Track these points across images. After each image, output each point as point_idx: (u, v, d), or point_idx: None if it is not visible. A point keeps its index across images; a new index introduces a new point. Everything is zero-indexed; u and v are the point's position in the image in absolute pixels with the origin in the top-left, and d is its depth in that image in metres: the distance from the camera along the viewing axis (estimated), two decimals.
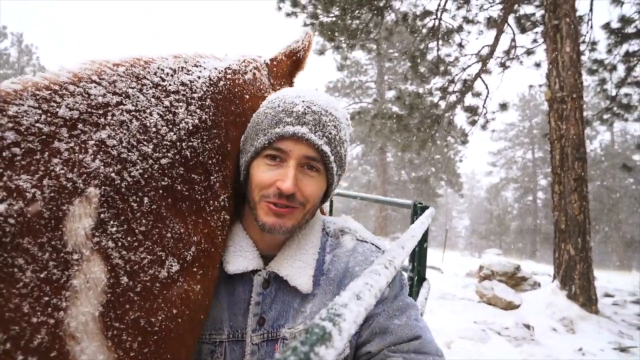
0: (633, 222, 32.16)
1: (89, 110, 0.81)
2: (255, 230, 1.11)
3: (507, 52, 12.43)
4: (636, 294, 9.47)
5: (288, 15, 11.50)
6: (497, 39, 11.64)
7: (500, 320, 6.60)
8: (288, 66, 1.25)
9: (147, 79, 0.90)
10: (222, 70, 1.08)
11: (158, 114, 0.89)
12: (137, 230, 0.82)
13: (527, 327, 6.22)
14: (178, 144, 0.91)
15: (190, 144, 0.93)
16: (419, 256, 2.63)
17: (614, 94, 11.93)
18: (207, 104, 0.98)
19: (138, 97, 0.87)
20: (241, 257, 1.07)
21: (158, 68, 0.94)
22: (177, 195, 0.90)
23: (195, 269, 0.92)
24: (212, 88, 1.01)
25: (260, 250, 1.10)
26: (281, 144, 1.00)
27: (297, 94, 1.05)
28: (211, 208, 0.99)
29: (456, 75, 12.64)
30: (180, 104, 0.93)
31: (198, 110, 0.96)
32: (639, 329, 6.74)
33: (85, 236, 0.74)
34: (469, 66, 12.44)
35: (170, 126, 0.90)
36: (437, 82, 13.17)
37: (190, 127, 0.93)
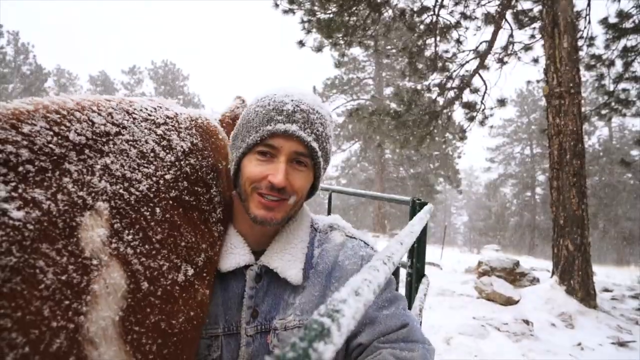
0: (631, 217, 32.22)
1: (94, 137, 0.87)
2: (245, 226, 1.18)
3: (505, 48, 12.41)
4: (635, 289, 9.49)
5: (285, 12, 11.47)
6: (495, 34, 11.64)
7: (499, 315, 6.62)
8: (232, 129, 1.33)
9: (137, 114, 0.98)
10: (196, 113, 1.20)
11: (153, 141, 0.97)
12: (154, 238, 0.88)
13: (526, 322, 6.24)
14: (177, 162, 1.00)
15: (188, 161, 1.03)
16: (417, 252, 2.63)
17: (612, 89, 11.95)
18: (193, 132, 1.09)
19: (133, 128, 0.95)
20: (232, 255, 1.12)
21: (142, 106, 1.02)
22: (186, 205, 0.99)
23: (204, 274, 1.00)
24: (193, 122, 1.13)
25: (250, 247, 1.16)
26: (272, 141, 1.06)
27: (285, 93, 1.11)
28: (213, 219, 1.09)
29: (454, 71, 12.63)
30: (172, 132, 1.03)
31: (188, 136, 1.06)
32: (637, 324, 6.76)
33: (102, 243, 0.78)
34: (467, 62, 12.43)
35: (167, 150, 0.99)
36: (435, 78, 13.14)
37: (186, 149, 1.03)
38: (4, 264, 0.64)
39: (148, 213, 0.89)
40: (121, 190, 0.86)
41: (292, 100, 1.08)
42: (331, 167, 36.00)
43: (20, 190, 0.71)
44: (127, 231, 0.84)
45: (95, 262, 0.77)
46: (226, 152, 1.21)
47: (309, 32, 11.83)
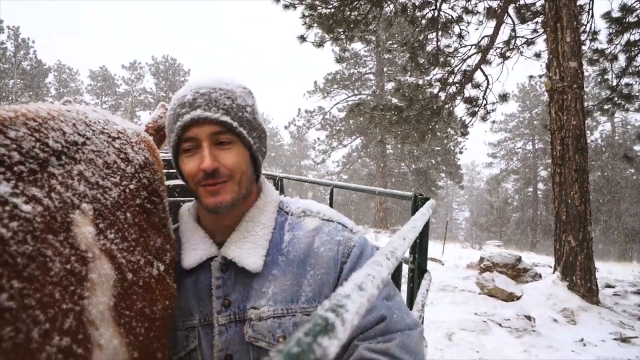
0: (634, 212, 32.22)
1: (67, 145, 0.94)
2: (207, 219, 1.22)
3: (507, 43, 12.37)
4: (637, 285, 9.49)
5: (286, 7, 11.43)
6: (497, 29, 11.59)
7: (501, 311, 6.63)
8: (157, 140, 1.39)
9: (94, 126, 1.04)
10: (137, 127, 1.25)
11: (114, 153, 1.05)
12: (129, 238, 0.98)
13: (528, 318, 6.25)
14: (136, 174, 1.08)
15: (144, 175, 1.10)
16: (419, 248, 2.63)
17: (614, 84, 11.91)
18: (142, 146, 1.15)
19: (94, 140, 1.02)
20: (194, 251, 1.17)
21: (96, 118, 1.08)
22: (148, 211, 1.08)
23: (171, 271, 1.11)
24: (139, 137, 1.17)
25: (215, 238, 1.19)
26: (187, 134, 1.10)
27: (187, 86, 1.14)
28: (169, 225, 1.17)
29: (456, 66, 12.59)
30: (126, 146, 1.10)
31: (140, 150, 1.13)
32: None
33: (92, 239, 0.87)
34: (468, 57, 12.39)
35: (126, 162, 1.07)
36: (437, 73, 13.12)
37: (141, 162, 1.11)
38: (22, 251, 0.73)
39: (122, 217, 0.99)
40: (98, 195, 0.94)
41: (191, 90, 1.10)
42: (332, 162, 36.11)
43: (21, 188, 0.78)
44: (109, 231, 0.93)
45: (90, 254, 0.85)
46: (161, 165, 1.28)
47: (310, 27, 11.81)
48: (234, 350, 1.09)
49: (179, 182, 1.66)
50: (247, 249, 1.13)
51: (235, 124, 1.10)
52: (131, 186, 1.05)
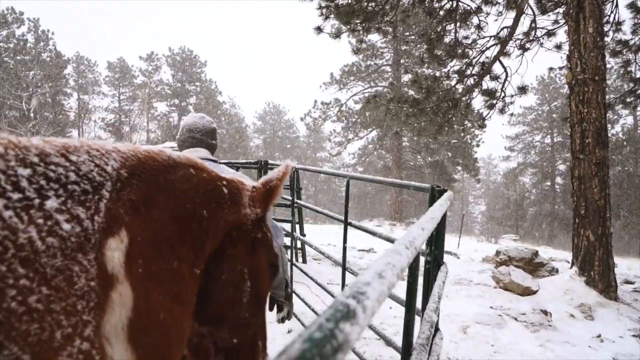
0: None
1: (127, 175, 1.04)
2: None
3: (527, 34, 12.13)
4: None
5: None
6: (516, 20, 11.38)
7: (517, 305, 6.57)
8: (262, 193, 1.44)
9: (162, 165, 1.16)
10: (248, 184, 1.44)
11: (177, 198, 1.16)
12: (153, 269, 1.03)
13: (545, 313, 6.19)
14: (194, 225, 1.18)
15: (196, 226, 1.20)
16: (436, 240, 2.61)
17: (638, 76, 11.63)
18: (231, 205, 1.33)
19: (156, 178, 1.14)
20: None
21: (186, 161, 1.23)
22: (186, 260, 1.13)
23: (188, 314, 1.15)
24: (247, 191, 1.38)
25: None
26: None
27: None
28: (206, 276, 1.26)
29: (474, 58, 12.42)
30: (196, 197, 1.21)
31: (220, 207, 1.28)
32: None
33: (119, 264, 0.95)
34: (487, 48, 12.20)
35: (192, 215, 1.17)
36: (455, 65, 12.94)
37: (205, 216, 1.25)
38: (51, 264, 0.82)
39: (150, 251, 1.04)
40: (137, 228, 1.01)
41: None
42: (348, 154, 36.07)
43: (68, 205, 0.88)
44: (137, 260, 0.99)
45: (114, 277, 0.93)
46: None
47: (327, 18, 11.74)
48: None
49: None
50: None
51: None
52: (184, 233, 1.12)
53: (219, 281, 1.29)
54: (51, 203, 0.86)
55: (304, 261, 8.43)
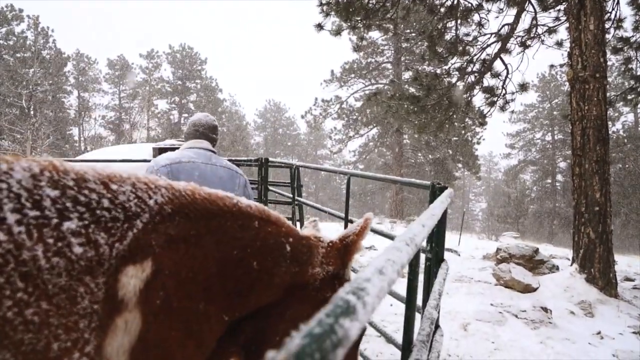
0: None
1: (171, 211, 1.07)
2: None
3: (528, 31, 12.11)
4: None
5: None
6: (517, 17, 11.35)
7: (517, 303, 6.58)
8: (339, 249, 1.37)
9: (230, 206, 1.21)
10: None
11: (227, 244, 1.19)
12: (174, 304, 1.03)
13: (545, 310, 6.19)
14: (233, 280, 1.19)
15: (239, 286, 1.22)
16: (437, 236, 2.61)
17: (639, 73, 11.60)
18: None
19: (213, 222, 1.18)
20: None
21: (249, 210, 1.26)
22: (211, 296, 1.12)
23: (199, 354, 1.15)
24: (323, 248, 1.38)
25: None
26: None
27: None
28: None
29: (475, 55, 12.39)
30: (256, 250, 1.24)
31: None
32: None
33: (133, 292, 0.96)
34: (488, 46, 12.17)
35: (240, 266, 1.20)
36: (456, 62, 12.91)
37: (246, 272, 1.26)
38: (54, 282, 0.85)
39: (174, 286, 1.03)
40: (168, 261, 1.02)
41: None
42: (348, 152, 36.04)
43: (89, 230, 0.91)
44: (156, 292, 0.99)
45: (123, 304, 0.95)
46: None
47: (327, 15, 11.71)
48: None
49: None
50: None
51: None
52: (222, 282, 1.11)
53: (273, 341, 1.21)
54: (69, 224, 0.89)
55: None
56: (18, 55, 34.54)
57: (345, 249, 1.36)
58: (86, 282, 0.89)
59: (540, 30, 12.04)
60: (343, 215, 4.13)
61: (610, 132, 8.11)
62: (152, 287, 0.98)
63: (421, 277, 2.89)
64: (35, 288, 0.83)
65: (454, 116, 13.34)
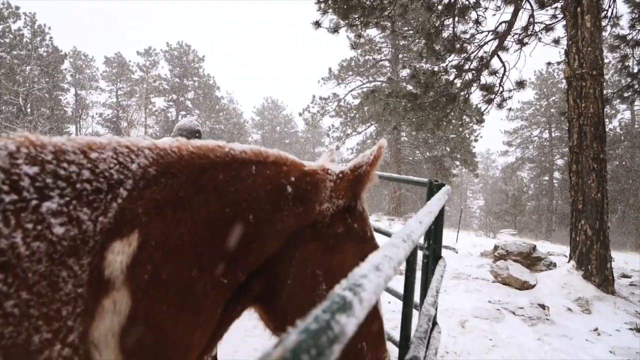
0: None
1: (155, 173, 1.01)
2: None
3: (525, 29, 12.10)
4: None
5: None
6: (515, 14, 11.35)
7: (514, 300, 6.60)
8: (350, 180, 1.26)
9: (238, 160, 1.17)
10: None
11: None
12: (163, 276, 0.97)
13: (542, 307, 6.21)
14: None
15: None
16: (434, 233, 2.62)
17: (635, 71, 11.62)
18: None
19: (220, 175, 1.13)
20: None
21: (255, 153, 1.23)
22: (204, 262, 1.05)
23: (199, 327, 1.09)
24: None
25: None
26: None
27: None
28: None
29: (472, 52, 12.38)
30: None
31: None
32: None
33: (120, 269, 0.90)
34: (485, 43, 12.16)
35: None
36: (453, 60, 12.90)
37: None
38: (34, 270, 0.80)
39: (160, 255, 0.96)
40: (154, 230, 0.95)
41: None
42: (346, 149, 35.99)
43: (70, 207, 0.86)
44: (143, 267, 0.93)
45: (110, 283, 0.89)
46: None
47: (325, 12, 11.69)
48: None
49: None
50: None
51: None
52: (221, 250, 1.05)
53: (285, 286, 1.14)
54: (49, 204, 0.84)
55: None
56: (14, 52, 34.36)
57: (357, 179, 1.26)
58: (69, 264, 0.84)
59: (537, 27, 12.04)
60: None
61: (607, 130, 8.12)
62: (138, 261, 0.93)
63: (419, 275, 2.89)
64: (15, 278, 0.78)
65: (452, 113, 13.34)
